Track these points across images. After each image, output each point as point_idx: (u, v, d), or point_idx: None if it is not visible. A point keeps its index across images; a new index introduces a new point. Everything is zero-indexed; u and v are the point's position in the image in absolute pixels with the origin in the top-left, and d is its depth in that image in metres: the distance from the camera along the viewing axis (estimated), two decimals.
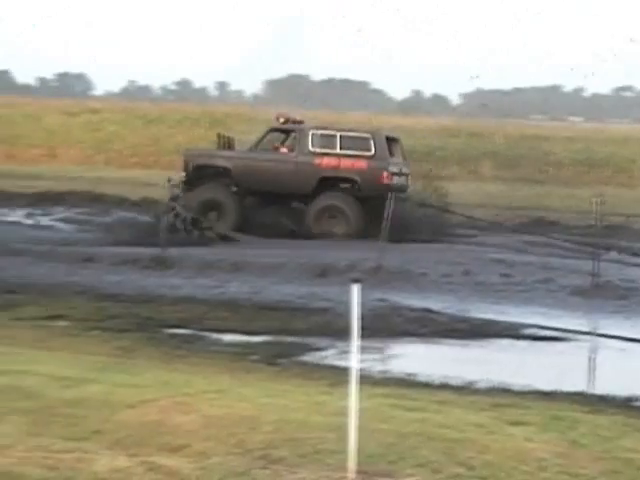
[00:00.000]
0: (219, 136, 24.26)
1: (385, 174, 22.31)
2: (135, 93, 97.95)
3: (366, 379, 8.70)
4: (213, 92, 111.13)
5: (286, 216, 23.07)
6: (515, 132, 47.82)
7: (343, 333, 13.00)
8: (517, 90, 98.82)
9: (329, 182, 22.58)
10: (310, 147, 22.86)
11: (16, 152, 45.43)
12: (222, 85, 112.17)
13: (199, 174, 22.83)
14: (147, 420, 8.00)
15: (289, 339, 13.60)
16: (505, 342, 14.05)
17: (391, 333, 14.07)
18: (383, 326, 13.99)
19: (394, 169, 22.85)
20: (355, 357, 6.87)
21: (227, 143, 23.99)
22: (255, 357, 12.52)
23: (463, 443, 7.54)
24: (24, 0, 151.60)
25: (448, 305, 16.17)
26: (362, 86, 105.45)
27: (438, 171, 33.39)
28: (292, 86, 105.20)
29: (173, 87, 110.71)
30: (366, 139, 22.80)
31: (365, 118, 49.88)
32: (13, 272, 18.08)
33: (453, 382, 11.00)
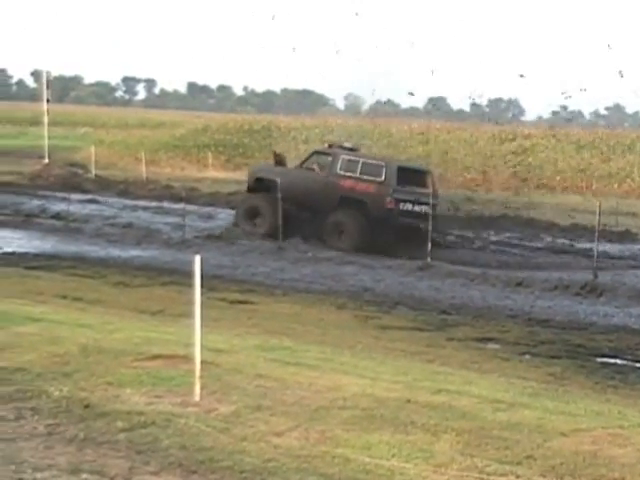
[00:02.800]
0: (274, 154, 28.31)
1: (388, 199, 24.64)
2: (566, 118, 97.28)
3: None
4: None
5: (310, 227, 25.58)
6: None
7: None
8: None
9: (348, 201, 24.87)
10: (338, 170, 25.60)
11: (450, 176, 46.65)
12: None
13: (258, 185, 26.73)
14: (580, 450, 7.90)
15: None
16: None
17: None
18: None
19: (403, 197, 24.84)
20: None
21: (280, 160, 27.54)
22: None
23: None
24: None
25: None
26: None
27: None
28: None
29: (604, 112, 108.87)
30: (380, 166, 25.21)
31: None
32: (447, 294, 18.60)
33: None
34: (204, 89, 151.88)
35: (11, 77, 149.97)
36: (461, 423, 8.49)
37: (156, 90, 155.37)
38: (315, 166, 26.32)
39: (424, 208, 24.94)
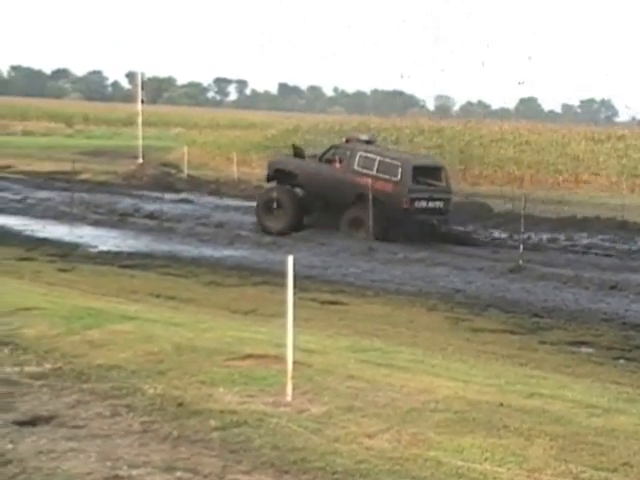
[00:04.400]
0: (294, 147, 28.92)
1: (404, 199, 25.28)
2: None
3: None
4: None
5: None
6: None
7: None
8: None
9: (365, 198, 25.28)
10: (355, 166, 26.21)
11: (541, 177, 46.14)
12: None
13: (277, 176, 27.69)
14: None
15: None
16: None
17: None
18: None
19: (418, 195, 25.58)
20: None
21: (299, 153, 28.08)
22: None
23: None
24: None
25: None
26: None
27: None
28: None
29: None
30: (396, 166, 25.73)
31: None
32: (540, 296, 18.40)
33: None
34: (295, 90, 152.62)
35: (107, 79, 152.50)
36: (555, 428, 8.38)
37: (247, 91, 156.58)
38: (334, 159, 26.99)
39: (437, 204, 26.11)
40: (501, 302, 17.83)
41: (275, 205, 26.95)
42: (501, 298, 18.21)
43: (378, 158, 26.10)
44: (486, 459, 7.56)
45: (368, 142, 27.74)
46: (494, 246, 26.24)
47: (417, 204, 25.60)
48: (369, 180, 25.44)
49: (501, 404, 9.05)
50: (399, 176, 25.54)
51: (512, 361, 12.77)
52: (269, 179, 28.36)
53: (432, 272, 20.84)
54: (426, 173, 26.61)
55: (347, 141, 27.94)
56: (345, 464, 7.40)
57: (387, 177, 25.63)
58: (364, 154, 26.31)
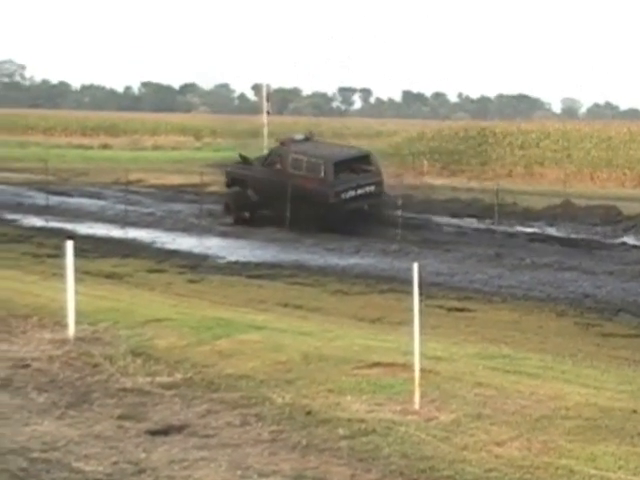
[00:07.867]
0: (240, 156, 31.24)
1: (329, 194, 27.21)
2: None
3: None
4: None
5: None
6: None
7: None
8: None
9: (299, 196, 27.06)
10: (289, 168, 28.23)
11: None
12: None
13: (233, 182, 30.25)
14: None
15: None
16: None
17: None
18: None
19: (343, 187, 27.47)
20: None
21: (246, 160, 30.45)
22: None
23: None
24: None
25: None
26: None
27: None
28: None
29: None
30: (319, 164, 27.78)
31: None
32: None
33: None
34: (419, 97, 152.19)
35: (233, 91, 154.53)
36: None
37: (372, 99, 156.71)
38: (275, 162, 28.98)
39: (367, 189, 27.94)
40: (633, 306, 17.46)
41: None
42: (633, 302, 17.83)
43: (305, 159, 28.05)
44: (620, 467, 7.41)
45: (306, 139, 29.60)
46: (624, 250, 25.68)
47: (344, 195, 27.36)
48: (299, 179, 27.45)
49: (634, 411, 8.86)
50: (322, 173, 27.45)
51: None
52: (227, 185, 30.77)
53: (560, 277, 20.52)
54: (353, 163, 28.32)
55: (282, 144, 29.87)
56: (474, 472, 7.34)
57: (313, 175, 27.55)
58: (294, 156, 28.32)
